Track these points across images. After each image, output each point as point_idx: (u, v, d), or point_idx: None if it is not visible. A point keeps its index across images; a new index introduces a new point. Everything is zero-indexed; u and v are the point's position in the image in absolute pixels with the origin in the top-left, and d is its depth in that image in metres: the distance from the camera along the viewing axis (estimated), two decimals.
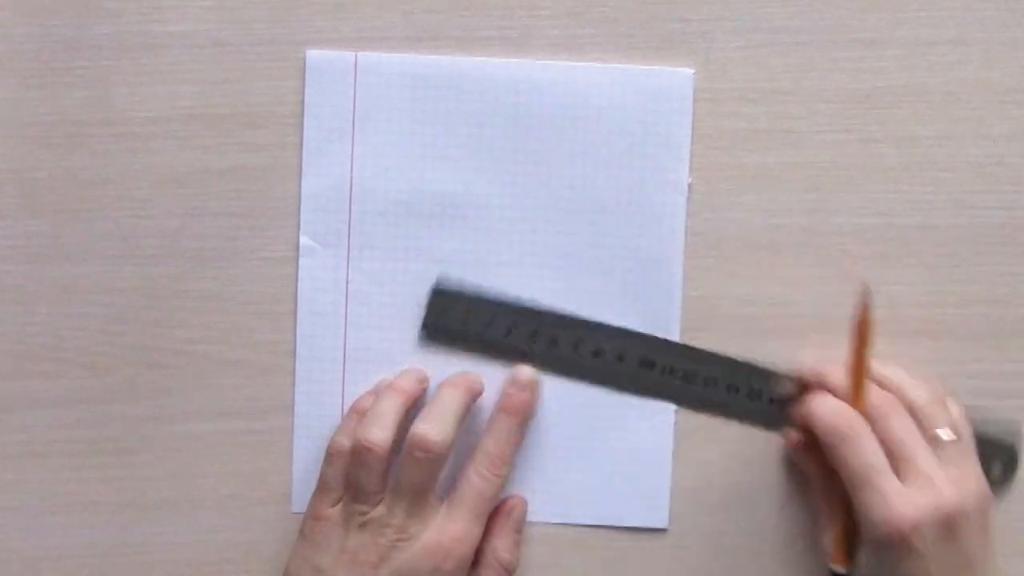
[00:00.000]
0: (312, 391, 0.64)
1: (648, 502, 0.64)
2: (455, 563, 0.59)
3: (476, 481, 0.60)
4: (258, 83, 0.63)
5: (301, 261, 0.63)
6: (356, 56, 0.63)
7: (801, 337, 0.64)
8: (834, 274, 0.63)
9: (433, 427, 0.59)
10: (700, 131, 0.63)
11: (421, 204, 0.63)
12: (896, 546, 0.55)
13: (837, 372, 0.60)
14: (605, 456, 0.64)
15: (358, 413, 0.62)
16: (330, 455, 0.61)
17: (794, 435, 0.61)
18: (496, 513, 0.62)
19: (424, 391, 0.63)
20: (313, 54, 0.63)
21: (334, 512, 0.60)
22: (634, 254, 0.63)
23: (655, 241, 0.63)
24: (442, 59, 0.63)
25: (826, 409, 0.59)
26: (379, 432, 0.60)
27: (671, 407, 0.64)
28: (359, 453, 0.59)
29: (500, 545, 0.62)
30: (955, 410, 0.60)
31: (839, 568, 0.59)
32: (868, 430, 0.58)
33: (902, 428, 0.58)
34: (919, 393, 0.59)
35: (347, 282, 0.63)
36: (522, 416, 0.62)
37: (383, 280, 0.64)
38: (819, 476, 0.61)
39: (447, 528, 0.59)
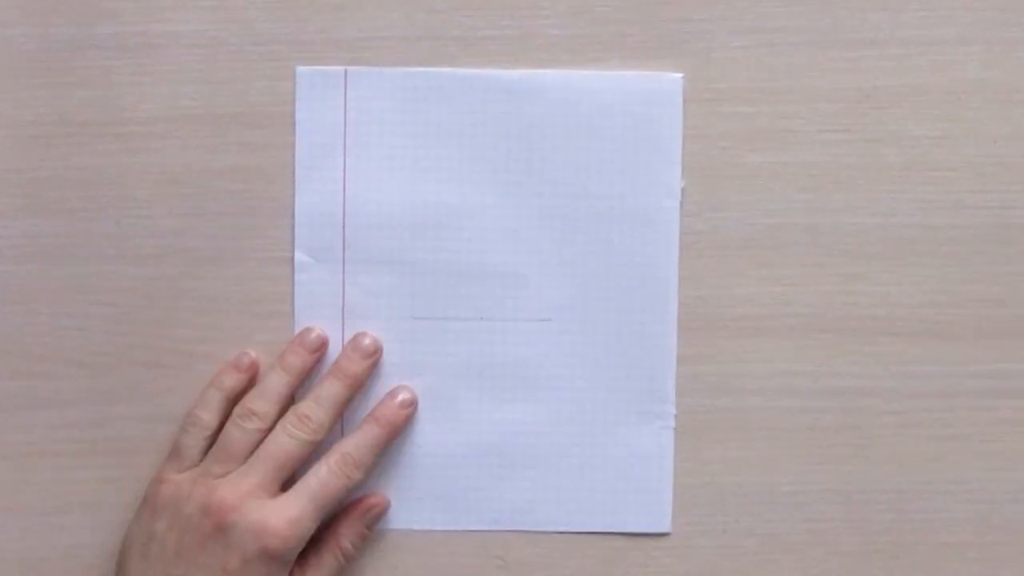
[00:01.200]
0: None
1: (650, 507, 0.64)
2: (281, 546, 0.59)
3: (324, 473, 0.60)
4: (258, 83, 0.63)
5: (297, 276, 0.63)
6: (346, 71, 0.63)
7: (801, 337, 0.64)
8: (834, 274, 0.63)
9: (315, 410, 0.61)
10: (700, 131, 0.63)
11: (415, 216, 0.63)
12: None
13: None
14: (605, 462, 0.64)
15: (217, 388, 0.62)
16: (188, 423, 0.62)
17: None
18: (352, 505, 0.63)
19: (319, 359, 0.63)
20: (303, 70, 0.63)
21: (180, 477, 0.61)
22: (629, 259, 0.63)
23: (650, 246, 0.63)
24: (431, 71, 0.63)
25: None
26: (262, 404, 0.61)
27: (671, 411, 0.64)
28: (243, 417, 0.61)
29: (345, 533, 0.63)
30: None
31: None
32: None
33: None
34: None
35: (343, 296, 0.63)
36: (390, 430, 0.62)
37: (379, 293, 0.63)
38: None
39: (282, 511, 0.59)
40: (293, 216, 0.63)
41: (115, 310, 0.64)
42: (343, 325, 0.63)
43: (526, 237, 0.63)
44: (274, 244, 0.63)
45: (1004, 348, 0.64)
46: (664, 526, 0.64)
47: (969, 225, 0.64)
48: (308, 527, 0.60)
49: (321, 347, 0.63)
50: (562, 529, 0.64)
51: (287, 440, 0.60)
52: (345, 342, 0.63)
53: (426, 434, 0.64)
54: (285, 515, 0.59)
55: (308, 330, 0.63)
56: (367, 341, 0.63)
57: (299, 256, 0.63)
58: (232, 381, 0.62)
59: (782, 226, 0.63)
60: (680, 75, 0.63)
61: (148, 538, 0.60)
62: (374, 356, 0.63)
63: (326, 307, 0.63)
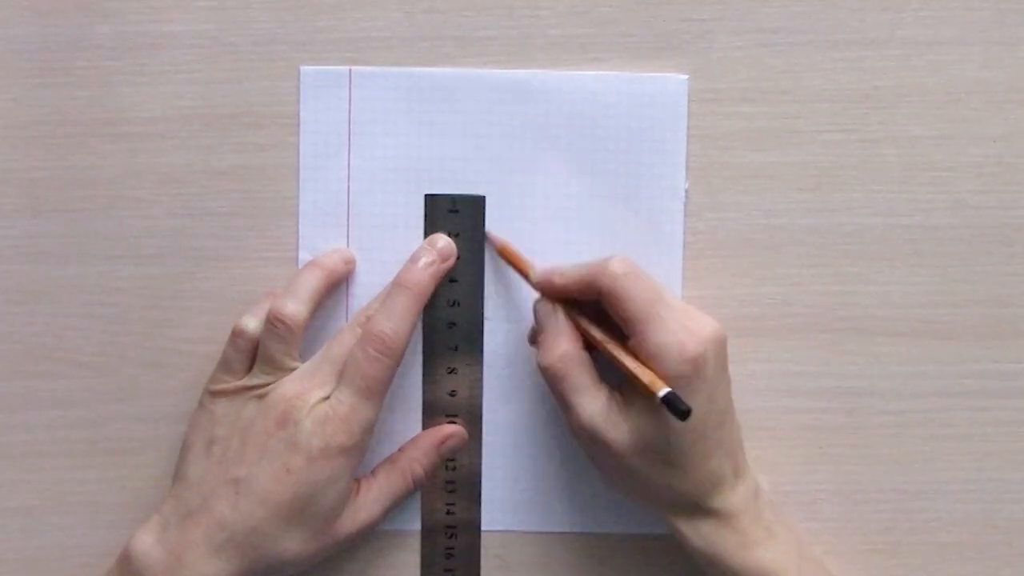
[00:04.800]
0: None
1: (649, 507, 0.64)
2: (345, 441, 0.58)
3: (361, 361, 0.59)
4: (258, 83, 0.63)
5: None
6: (350, 70, 0.63)
7: (801, 337, 0.64)
8: (834, 274, 0.63)
9: (288, 302, 0.60)
10: (700, 131, 0.63)
11: (418, 216, 0.63)
12: (689, 376, 0.56)
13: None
14: None
15: (271, 295, 0.62)
16: (234, 334, 0.61)
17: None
18: (429, 432, 0.63)
19: (350, 271, 0.63)
20: (307, 69, 0.63)
21: (233, 386, 0.60)
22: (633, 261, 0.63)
23: (653, 247, 0.63)
24: (435, 71, 0.63)
25: (587, 262, 0.59)
26: (293, 304, 0.60)
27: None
28: (272, 323, 0.60)
29: (419, 458, 0.62)
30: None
31: (663, 388, 0.56)
32: (640, 268, 0.58)
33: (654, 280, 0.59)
34: (621, 266, 0.59)
35: (347, 295, 0.63)
36: (419, 293, 0.61)
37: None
38: (605, 336, 0.60)
39: (335, 408, 0.58)
40: (293, 216, 0.63)
41: (115, 310, 0.64)
42: (347, 322, 0.63)
43: (529, 237, 0.63)
44: (274, 244, 0.63)
45: (1004, 348, 0.64)
46: (662, 527, 0.64)
47: (969, 225, 0.64)
48: (366, 418, 0.59)
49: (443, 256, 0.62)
50: (562, 529, 0.64)
51: (350, 339, 0.60)
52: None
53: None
54: (341, 410, 0.58)
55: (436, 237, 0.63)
56: (442, 242, 0.62)
57: (303, 255, 0.63)
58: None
59: (782, 226, 0.63)
60: (685, 76, 0.63)
61: (209, 441, 0.60)
62: (449, 260, 0.62)
63: (326, 307, 0.63)
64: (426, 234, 0.63)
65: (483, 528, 0.64)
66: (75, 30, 0.63)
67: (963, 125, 0.63)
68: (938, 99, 0.63)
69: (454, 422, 0.64)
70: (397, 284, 0.61)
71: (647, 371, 0.57)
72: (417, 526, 0.64)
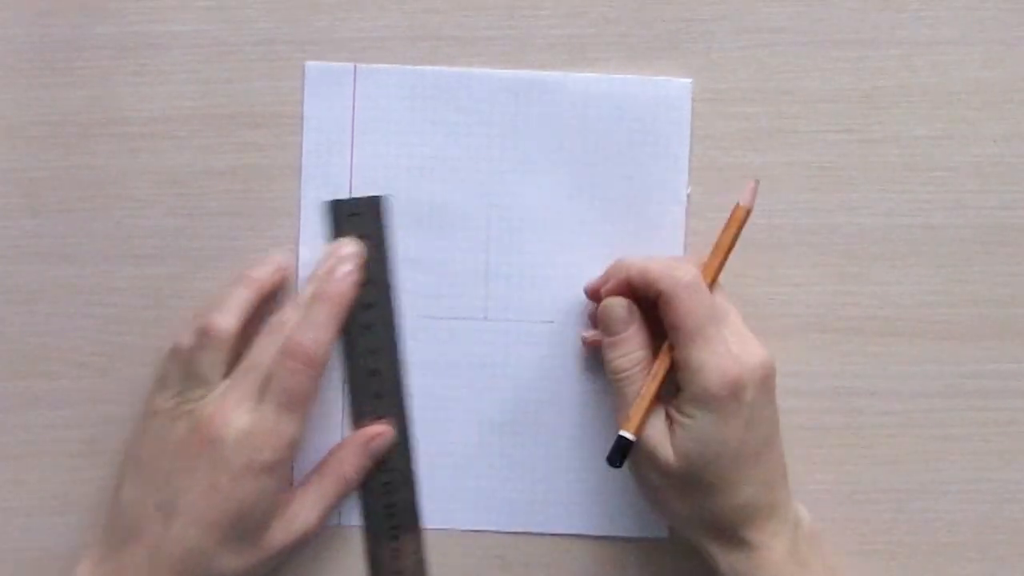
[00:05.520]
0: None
1: (648, 512, 0.64)
2: (269, 457, 0.58)
3: (283, 375, 0.59)
4: (258, 83, 0.63)
5: (302, 272, 0.63)
6: (355, 67, 0.63)
7: (801, 337, 0.64)
8: (834, 274, 0.63)
9: (291, 315, 0.60)
10: (701, 131, 0.63)
11: (420, 214, 0.63)
12: (725, 399, 0.56)
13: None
14: (605, 465, 0.64)
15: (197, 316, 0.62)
16: (172, 351, 0.61)
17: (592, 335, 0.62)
18: (357, 434, 0.63)
19: (283, 280, 0.62)
20: (312, 65, 0.63)
21: (167, 405, 0.60)
22: None
23: (655, 250, 0.63)
24: (440, 70, 0.63)
25: (657, 259, 0.59)
26: (220, 317, 0.60)
27: None
28: (200, 337, 0.59)
29: (347, 459, 0.62)
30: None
31: (630, 434, 0.57)
32: (704, 283, 0.58)
33: (722, 296, 0.59)
34: (688, 275, 0.58)
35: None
36: (339, 304, 0.61)
37: None
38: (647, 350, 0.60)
39: (258, 423, 0.58)
40: (293, 216, 0.63)
41: (115, 310, 0.64)
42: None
43: (531, 238, 0.63)
44: (274, 244, 0.63)
45: (1004, 348, 0.64)
46: (661, 531, 0.64)
47: (969, 225, 0.64)
48: (289, 433, 0.58)
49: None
50: (562, 531, 0.64)
51: (266, 349, 0.59)
52: (346, 343, 0.63)
53: (426, 434, 0.64)
54: (264, 425, 0.58)
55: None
56: (348, 248, 0.62)
57: (303, 251, 0.63)
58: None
59: (782, 226, 0.63)
60: (689, 80, 0.63)
61: (138, 464, 0.59)
62: (353, 260, 0.62)
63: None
64: (331, 240, 0.63)
65: (483, 528, 0.64)
66: (75, 30, 0.63)
67: (963, 125, 0.63)
68: (938, 99, 0.63)
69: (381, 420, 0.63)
70: (317, 296, 0.60)
71: (640, 407, 0.58)
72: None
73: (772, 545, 0.57)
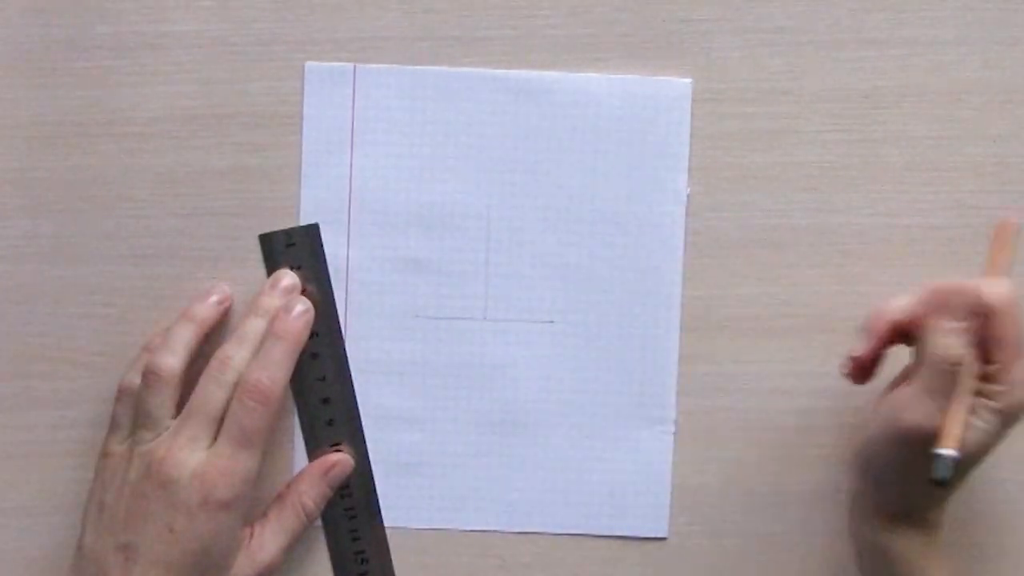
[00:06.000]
0: None
1: (648, 511, 0.64)
2: (224, 494, 0.58)
3: (237, 412, 0.59)
4: (258, 83, 0.63)
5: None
6: (355, 67, 0.63)
7: (801, 337, 0.64)
8: (834, 274, 0.63)
9: (236, 350, 0.60)
10: (700, 131, 0.63)
11: (420, 215, 0.63)
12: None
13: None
14: (605, 465, 0.64)
15: (148, 351, 0.62)
16: (120, 392, 0.61)
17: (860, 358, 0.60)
18: (315, 464, 0.63)
19: (224, 313, 0.63)
20: (311, 65, 0.63)
21: (121, 448, 0.60)
22: (633, 263, 0.63)
23: (654, 250, 0.63)
24: (440, 70, 0.63)
25: (956, 283, 0.58)
26: (168, 357, 0.60)
27: (672, 416, 0.64)
28: (147, 377, 0.60)
29: (305, 491, 0.62)
30: None
31: (951, 451, 0.56)
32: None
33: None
34: (1010, 291, 0.58)
35: (346, 292, 0.63)
36: (294, 342, 0.61)
37: (383, 291, 0.63)
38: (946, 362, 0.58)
39: (212, 461, 0.58)
40: (293, 216, 0.63)
41: (115, 310, 0.64)
42: (345, 323, 0.63)
43: (531, 238, 0.63)
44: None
45: None
46: (661, 531, 0.64)
47: (969, 225, 0.64)
48: (245, 470, 0.59)
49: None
50: (561, 531, 0.64)
51: (213, 388, 0.60)
52: (347, 337, 0.63)
53: (426, 433, 0.64)
54: (219, 463, 0.58)
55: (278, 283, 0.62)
56: (286, 280, 0.62)
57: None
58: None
59: (782, 226, 0.63)
60: (689, 80, 0.63)
61: (98, 509, 0.60)
62: (293, 294, 0.62)
63: (329, 304, 0.63)
64: (268, 273, 0.63)
65: (483, 528, 0.64)
66: (75, 30, 0.63)
67: (963, 125, 0.63)
68: (938, 99, 0.63)
69: (339, 449, 0.64)
70: (273, 334, 0.61)
71: (956, 424, 0.56)
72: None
73: (940, 524, 0.60)
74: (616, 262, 0.63)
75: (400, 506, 0.64)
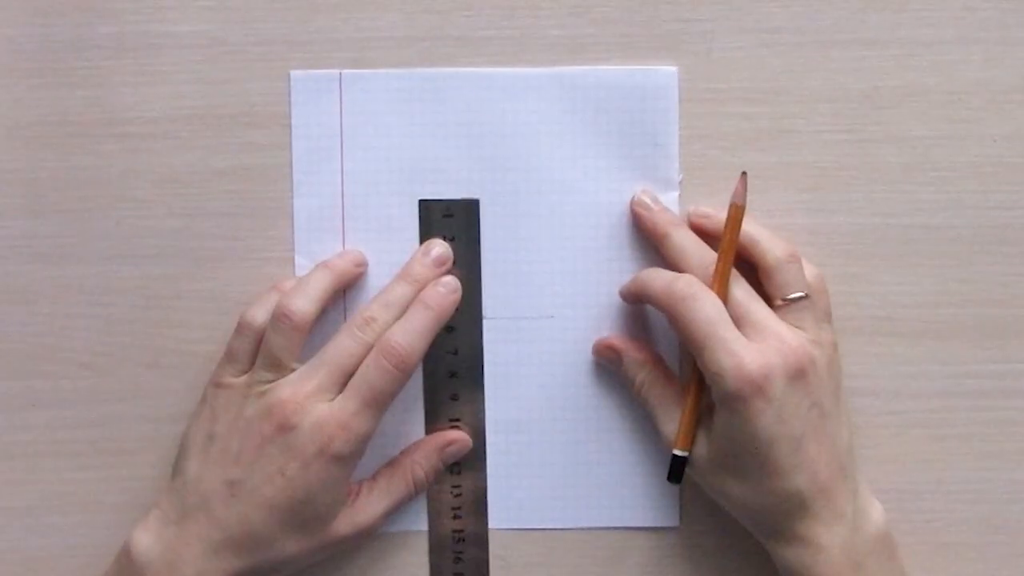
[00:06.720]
0: None
1: (658, 500, 0.64)
2: (341, 448, 0.58)
3: (371, 370, 0.59)
4: (258, 83, 0.63)
5: (298, 272, 0.63)
6: (340, 73, 0.63)
7: None
8: (834, 274, 0.63)
9: (381, 313, 0.60)
10: (700, 131, 0.63)
11: (413, 217, 0.63)
12: (748, 397, 0.56)
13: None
14: (611, 457, 0.64)
15: (279, 290, 0.62)
16: (241, 326, 0.61)
17: (605, 342, 0.63)
18: (432, 437, 0.63)
19: (360, 275, 0.63)
20: (297, 74, 0.63)
21: (237, 381, 0.60)
22: (630, 255, 0.63)
23: (651, 241, 0.63)
24: (425, 71, 0.63)
25: (659, 275, 0.59)
26: (302, 302, 0.60)
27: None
28: (278, 318, 0.59)
29: (420, 461, 0.62)
30: (811, 270, 0.61)
31: (682, 451, 0.59)
32: (706, 289, 0.58)
33: (742, 292, 0.59)
34: (775, 252, 0.59)
35: (344, 298, 0.63)
36: (440, 314, 0.61)
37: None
38: (652, 367, 0.62)
39: (335, 413, 0.58)
40: (293, 216, 0.63)
41: (115, 310, 0.64)
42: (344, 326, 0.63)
43: (526, 235, 0.63)
44: (274, 244, 0.63)
45: (1004, 348, 0.64)
46: (673, 520, 0.64)
47: (969, 225, 0.64)
48: (365, 428, 0.58)
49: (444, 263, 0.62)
50: (568, 526, 0.64)
51: (350, 343, 0.59)
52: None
53: (426, 433, 0.64)
54: (341, 417, 0.58)
55: (432, 243, 0.63)
56: (437, 250, 0.62)
57: (299, 260, 0.63)
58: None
59: (783, 226, 0.63)
60: (675, 68, 0.63)
61: (208, 439, 0.60)
62: (444, 266, 0.62)
63: (327, 310, 0.63)
64: (421, 240, 0.63)
65: (488, 527, 0.64)
66: (75, 30, 0.63)
67: (963, 125, 0.63)
68: (938, 99, 0.63)
69: (457, 427, 0.63)
70: (420, 302, 0.60)
71: (688, 423, 0.59)
72: (424, 527, 0.64)
73: (823, 542, 0.57)
74: (613, 254, 0.63)
75: (406, 509, 0.64)
